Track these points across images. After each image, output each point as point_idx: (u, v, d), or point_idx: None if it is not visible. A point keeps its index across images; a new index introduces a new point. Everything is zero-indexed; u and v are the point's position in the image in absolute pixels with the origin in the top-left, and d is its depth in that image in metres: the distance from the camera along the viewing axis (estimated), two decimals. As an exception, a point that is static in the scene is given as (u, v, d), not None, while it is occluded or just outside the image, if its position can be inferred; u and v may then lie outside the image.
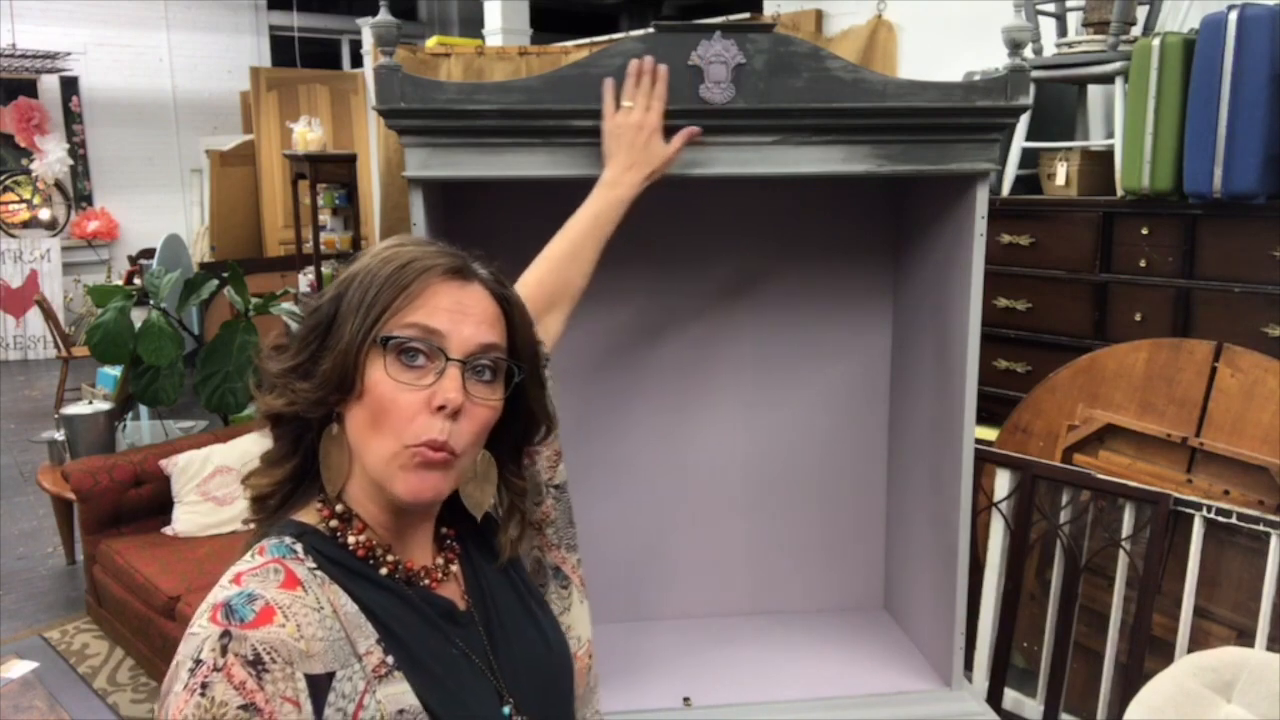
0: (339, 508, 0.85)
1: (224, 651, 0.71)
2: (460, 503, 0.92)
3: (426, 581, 0.87)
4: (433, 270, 0.83)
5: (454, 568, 0.91)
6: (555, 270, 1.30)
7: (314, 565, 0.80)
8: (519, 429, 0.92)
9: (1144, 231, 2.70)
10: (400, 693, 0.78)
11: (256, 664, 0.71)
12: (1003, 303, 3.00)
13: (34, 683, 2.46)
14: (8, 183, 8.05)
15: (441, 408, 0.79)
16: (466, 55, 4.98)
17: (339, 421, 0.84)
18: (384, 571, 0.84)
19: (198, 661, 0.71)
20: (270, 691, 0.71)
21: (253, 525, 0.87)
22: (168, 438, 4.07)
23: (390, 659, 0.79)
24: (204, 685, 0.70)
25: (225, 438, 3.57)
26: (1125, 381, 2.52)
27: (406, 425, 0.79)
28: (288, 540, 0.81)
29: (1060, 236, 2.88)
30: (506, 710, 0.86)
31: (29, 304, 7.46)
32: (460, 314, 0.83)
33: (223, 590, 0.77)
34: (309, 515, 0.85)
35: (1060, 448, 2.59)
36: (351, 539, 0.84)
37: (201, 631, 0.73)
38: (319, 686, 0.74)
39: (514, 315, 0.88)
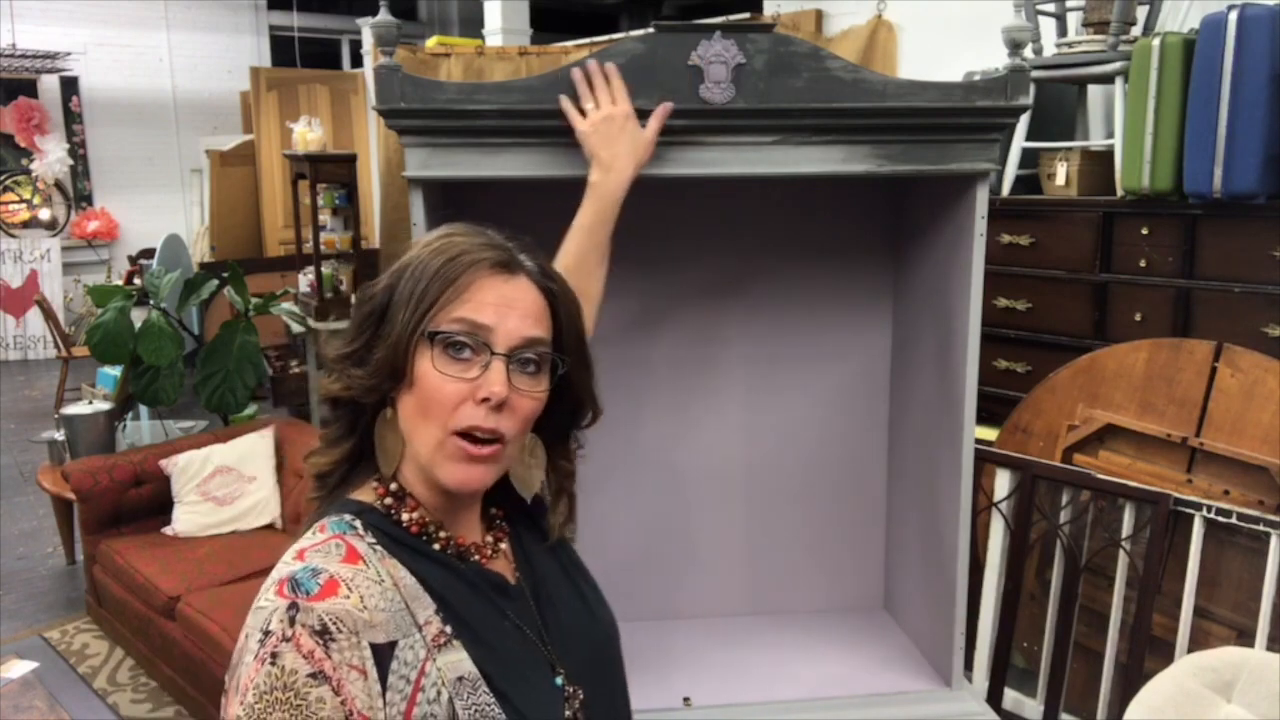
0: (393, 486, 0.88)
1: (292, 622, 0.75)
2: (509, 484, 0.95)
3: (476, 557, 0.91)
4: (480, 264, 0.86)
5: (503, 545, 0.95)
6: None
7: (373, 541, 0.84)
8: (566, 414, 0.95)
9: (1144, 231, 2.70)
10: (458, 660, 0.82)
11: (323, 634, 0.75)
12: (1003, 303, 3.00)
13: (34, 683, 2.46)
14: (8, 183, 8.04)
15: (486, 400, 0.83)
16: (466, 55, 4.98)
17: (393, 406, 0.87)
18: (436, 547, 0.88)
19: (266, 633, 0.75)
20: (337, 660, 0.75)
21: (315, 500, 0.92)
22: (168, 438, 4.07)
23: (448, 629, 0.83)
24: (274, 655, 0.74)
25: (225, 438, 3.57)
26: (1125, 381, 2.52)
27: (452, 414, 0.83)
28: (347, 518, 0.85)
29: (1060, 236, 2.88)
30: (559, 680, 0.89)
31: (29, 304, 7.46)
32: (505, 308, 0.85)
33: (287, 566, 0.80)
34: (366, 494, 0.89)
35: (1060, 448, 2.59)
36: (405, 516, 0.87)
37: (269, 605, 0.76)
38: (382, 655, 0.78)
39: (559, 306, 0.90)
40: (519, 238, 0.92)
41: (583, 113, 1.41)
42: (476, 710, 0.80)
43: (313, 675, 0.74)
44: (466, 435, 0.83)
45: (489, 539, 0.93)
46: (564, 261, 1.32)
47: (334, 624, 0.76)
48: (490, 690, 0.82)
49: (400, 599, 0.81)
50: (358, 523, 0.85)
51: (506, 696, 0.82)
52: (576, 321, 0.93)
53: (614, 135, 1.39)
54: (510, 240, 0.91)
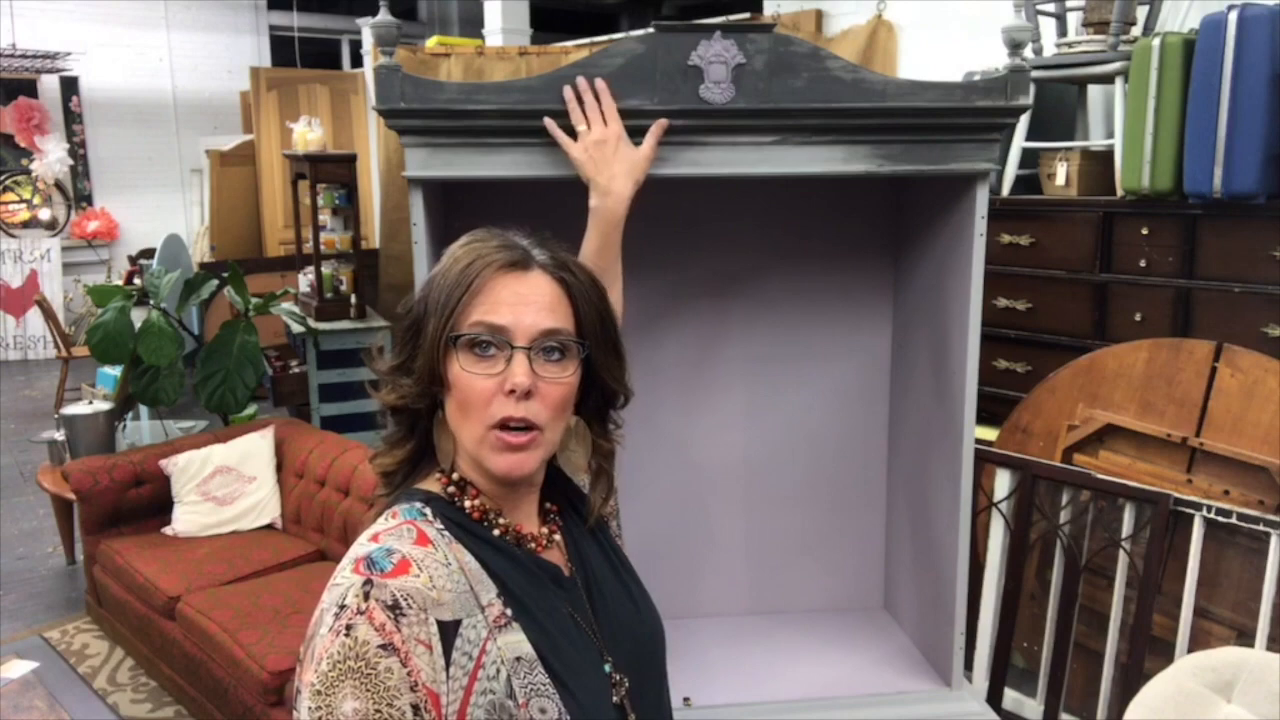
0: (455, 476, 0.94)
1: (366, 597, 0.80)
2: (562, 479, 1.03)
3: (532, 545, 0.95)
4: (492, 265, 0.91)
5: (556, 537, 0.99)
6: None
7: (441, 526, 0.90)
8: (600, 397, 0.99)
9: (1144, 231, 2.70)
10: (517, 641, 0.87)
11: (395, 609, 0.80)
12: (1003, 303, 3.00)
13: (34, 683, 2.46)
14: (8, 183, 8.04)
15: (512, 391, 0.88)
16: (466, 55, 4.98)
17: (443, 409, 0.93)
18: (496, 533, 0.93)
19: (342, 607, 0.80)
20: (406, 634, 0.80)
21: (382, 498, 0.97)
22: (168, 438, 4.07)
23: (509, 611, 0.88)
24: (348, 627, 0.79)
25: (225, 438, 3.57)
26: (1125, 381, 2.52)
27: (486, 409, 0.88)
28: (418, 505, 0.91)
29: (1060, 236, 2.88)
30: (607, 667, 0.94)
31: (29, 304, 7.45)
32: (521, 305, 0.90)
33: (363, 547, 0.86)
34: (431, 484, 0.95)
35: (1060, 448, 2.59)
36: (468, 503, 0.93)
37: (345, 581, 0.82)
38: (448, 632, 0.83)
39: (576, 294, 0.94)
40: (540, 234, 0.96)
41: (573, 135, 1.41)
42: (532, 689, 0.85)
43: (383, 647, 0.79)
44: (502, 427, 0.88)
45: (544, 530, 0.98)
46: None
47: (405, 600, 0.81)
48: (545, 671, 0.87)
49: (465, 581, 0.87)
50: (427, 510, 0.91)
51: (560, 678, 0.87)
52: (598, 309, 0.96)
53: (608, 158, 1.39)
54: (529, 238, 0.95)
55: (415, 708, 0.79)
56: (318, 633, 0.82)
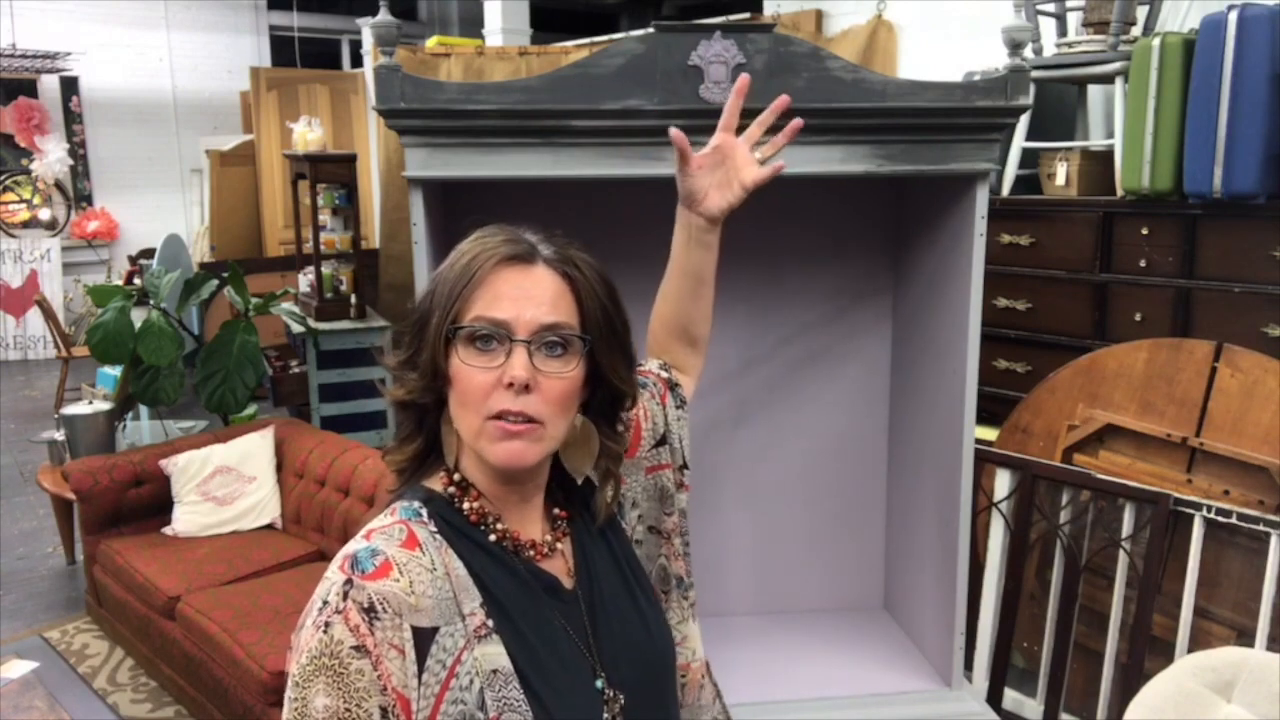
0: (456, 476, 0.94)
1: (345, 597, 0.81)
2: (575, 487, 1.01)
3: (532, 553, 0.94)
4: (494, 258, 0.91)
5: (560, 546, 0.98)
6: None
7: (435, 529, 0.90)
8: (606, 397, 0.98)
9: (1144, 231, 2.70)
10: (496, 654, 0.86)
11: (370, 611, 0.81)
12: (1003, 303, 3.00)
13: (34, 683, 2.46)
14: (8, 183, 8.04)
15: (510, 384, 0.87)
16: (466, 55, 4.98)
17: (448, 404, 0.93)
18: (493, 538, 0.92)
19: (325, 603, 0.82)
20: (379, 637, 0.81)
21: (393, 493, 0.98)
22: (168, 438, 4.07)
23: (491, 622, 0.87)
24: (326, 624, 0.81)
25: (225, 438, 3.57)
26: (1125, 381, 2.52)
27: (484, 401, 0.88)
28: (416, 504, 0.92)
29: (1060, 236, 2.88)
30: (600, 684, 0.92)
31: (29, 304, 7.46)
32: (522, 298, 0.90)
33: (355, 543, 0.87)
34: (435, 482, 0.95)
35: (1060, 448, 2.59)
36: (466, 505, 0.93)
37: (332, 577, 0.84)
38: (423, 638, 0.83)
39: (581, 289, 0.93)
40: (550, 231, 0.96)
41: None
42: (504, 703, 0.84)
43: (356, 648, 0.80)
44: (501, 418, 0.88)
45: (547, 538, 0.96)
46: (696, 311, 1.30)
47: (381, 604, 0.81)
48: (521, 686, 0.86)
49: (449, 588, 0.86)
50: (424, 511, 0.91)
51: (536, 693, 0.86)
52: (604, 305, 0.95)
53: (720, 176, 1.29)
54: (538, 234, 0.95)
55: (384, 710, 0.80)
56: (304, 624, 0.83)
